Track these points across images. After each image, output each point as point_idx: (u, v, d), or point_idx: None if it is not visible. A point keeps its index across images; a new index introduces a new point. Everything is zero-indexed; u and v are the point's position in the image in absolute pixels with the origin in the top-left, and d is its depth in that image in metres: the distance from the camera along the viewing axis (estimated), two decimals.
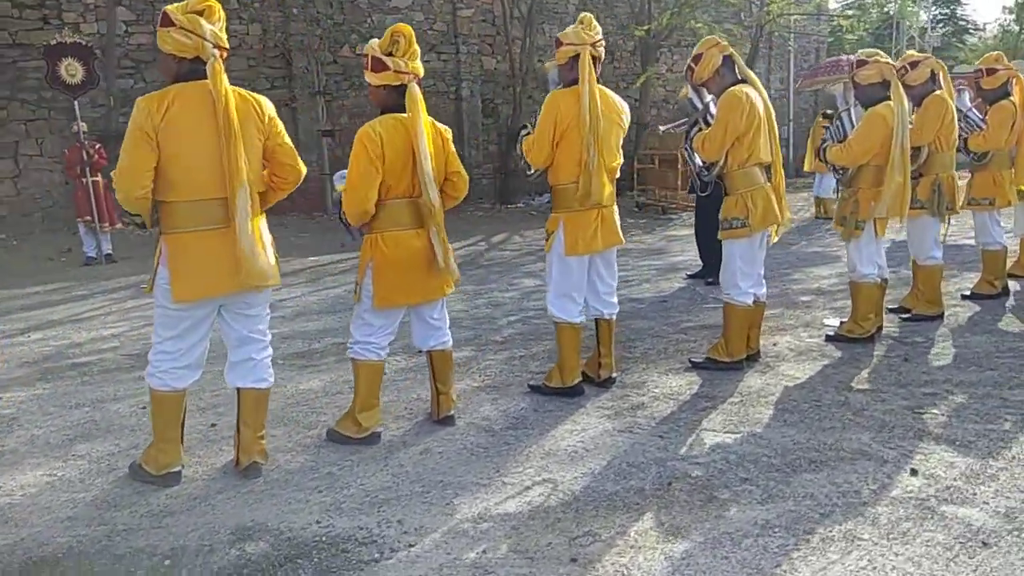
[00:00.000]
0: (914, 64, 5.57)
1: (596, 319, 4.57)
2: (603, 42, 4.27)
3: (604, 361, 4.60)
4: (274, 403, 4.51)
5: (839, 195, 5.35)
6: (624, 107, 4.44)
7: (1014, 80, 6.25)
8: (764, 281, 4.96)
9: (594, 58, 4.21)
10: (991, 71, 6.22)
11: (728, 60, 4.69)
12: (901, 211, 4.95)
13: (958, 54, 32.11)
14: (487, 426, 4.05)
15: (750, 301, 4.76)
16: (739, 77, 4.70)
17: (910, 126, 5.43)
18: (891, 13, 26.30)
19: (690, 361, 4.98)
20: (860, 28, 20.08)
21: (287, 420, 4.26)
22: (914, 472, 3.32)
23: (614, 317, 4.60)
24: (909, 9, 27.49)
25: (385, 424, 4.09)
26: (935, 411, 4.03)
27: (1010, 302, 6.32)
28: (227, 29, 3.43)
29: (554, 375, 4.51)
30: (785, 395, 4.36)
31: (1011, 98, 6.20)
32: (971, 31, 36.35)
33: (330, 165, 14.25)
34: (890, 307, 6.14)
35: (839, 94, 5.17)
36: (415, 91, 3.67)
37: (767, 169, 4.73)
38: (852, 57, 9.71)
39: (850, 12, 23.77)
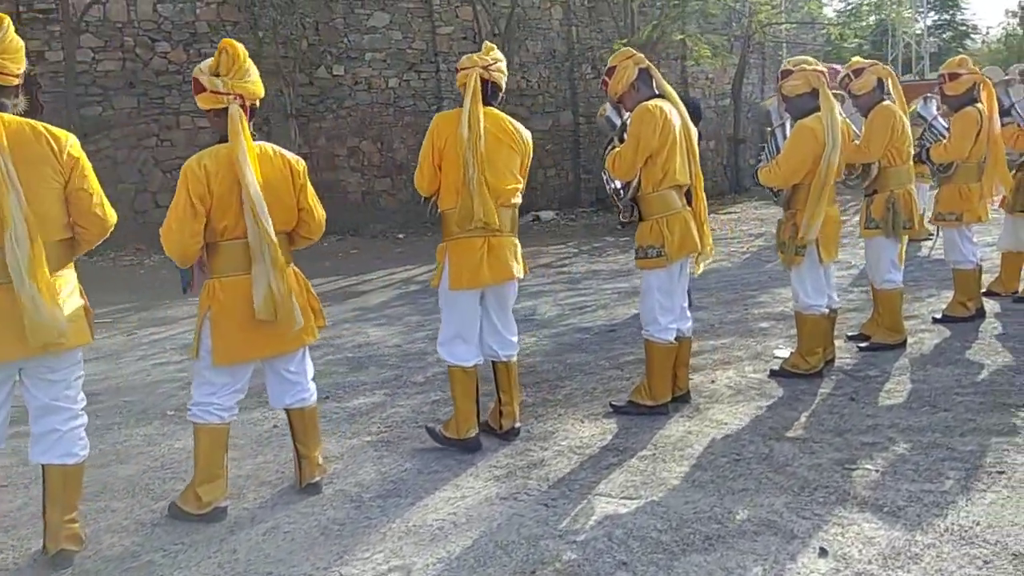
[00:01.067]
0: (858, 72, 5.05)
1: (493, 362, 4.09)
2: (500, 67, 3.95)
3: (505, 409, 4.11)
4: (135, 467, 4.07)
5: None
6: (522, 132, 3.99)
7: (981, 85, 5.70)
8: (689, 315, 4.47)
9: (488, 81, 3.90)
10: (953, 76, 5.65)
11: (644, 73, 4.28)
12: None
13: None
14: (356, 495, 3.55)
15: (671, 337, 4.27)
16: (656, 92, 4.27)
17: (856, 141, 4.94)
18: (885, 19, 25.74)
19: (611, 405, 4.47)
20: (852, 37, 19.52)
21: (138, 489, 3.77)
22: (823, 552, 2.80)
23: (513, 359, 4.11)
24: (905, 15, 26.92)
25: (243, 493, 3.61)
26: (868, 466, 3.51)
27: (992, 325, 5.74)
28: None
29: (451, 425, 4.03)
30: (706, 447, 3.85)
31: (977, 105, 5.67)
32: (972, 36, 35.65)
33: None
34: (849, 334, 5.62)
35: (773, 108, 4.69)
36: (235, 114, 3.20)
37: (687, 193, 4.26)
38: (838, 66, 9.24)
39: (841, 20, 23.22)
